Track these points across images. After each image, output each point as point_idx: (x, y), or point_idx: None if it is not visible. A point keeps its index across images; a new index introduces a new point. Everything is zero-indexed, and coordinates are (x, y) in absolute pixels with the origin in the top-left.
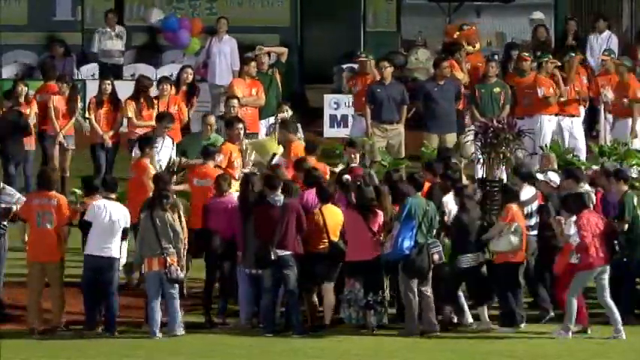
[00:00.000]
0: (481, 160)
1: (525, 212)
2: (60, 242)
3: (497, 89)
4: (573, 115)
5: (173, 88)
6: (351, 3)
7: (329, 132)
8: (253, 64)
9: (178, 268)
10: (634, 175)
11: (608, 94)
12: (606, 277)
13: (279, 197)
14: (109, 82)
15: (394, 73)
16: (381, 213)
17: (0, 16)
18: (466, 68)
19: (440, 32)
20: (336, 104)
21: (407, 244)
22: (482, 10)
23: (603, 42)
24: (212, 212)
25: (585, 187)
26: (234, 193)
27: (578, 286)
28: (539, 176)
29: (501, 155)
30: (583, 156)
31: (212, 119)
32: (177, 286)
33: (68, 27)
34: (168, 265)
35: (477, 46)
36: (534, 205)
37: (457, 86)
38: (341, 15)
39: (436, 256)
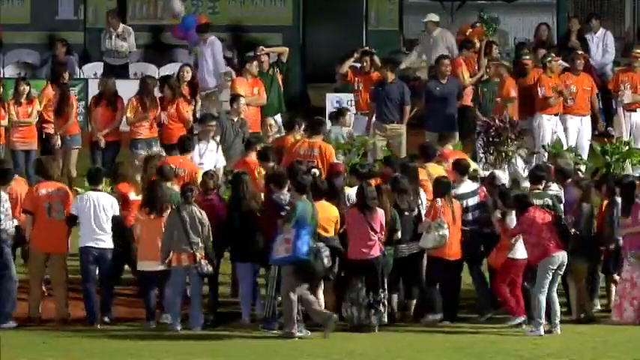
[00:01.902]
0: (483, 159)
1: (464, 206)
2: (67, 233)
3: None
4: (583, 115)
5: (175, 87)
6: (353, 2)
7: None
8: (255, 63)
9: (207, 262)
10: (636, 174)
11: (627, 93)
12: (562, 271)
13: (285, 196)
14: (110, 81)
15: (397, 72)
16: (382, 212)
17: (2, 15)
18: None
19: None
20: (338, 103)
21: (305, 248)
22: (485, 8)
23: (599, 40)
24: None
25: (553, 186)
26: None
27: (542, 279)
28: (482, 173)
29: (503, 154)
30: (585, 154)
31: (271, 120)
32: (202, 282)
33: (71, 26)
34: (198, 260)
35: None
36: (472, 200)
37: (459, 85)
38: (343, 14)
39: (326, 260)
